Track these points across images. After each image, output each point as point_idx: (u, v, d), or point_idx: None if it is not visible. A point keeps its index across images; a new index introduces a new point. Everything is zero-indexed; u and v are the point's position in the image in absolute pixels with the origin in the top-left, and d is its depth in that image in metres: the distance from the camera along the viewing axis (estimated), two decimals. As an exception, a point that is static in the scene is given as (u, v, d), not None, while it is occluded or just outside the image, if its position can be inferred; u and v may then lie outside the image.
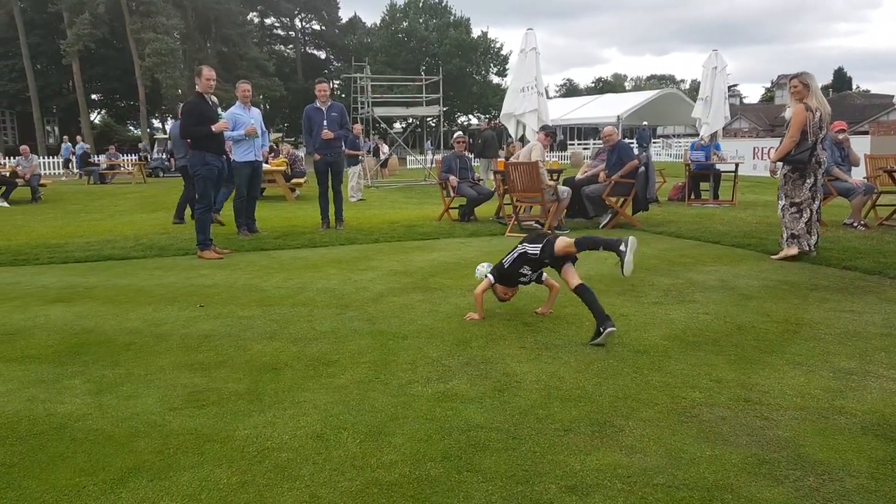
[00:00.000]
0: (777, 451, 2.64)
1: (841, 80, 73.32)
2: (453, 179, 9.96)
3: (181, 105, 8.06)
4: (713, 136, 13.23)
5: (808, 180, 6.42)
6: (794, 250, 6.47)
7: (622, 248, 4.06)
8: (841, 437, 2.75)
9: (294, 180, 15.67)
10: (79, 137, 31.18)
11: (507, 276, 4.53)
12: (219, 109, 7.72)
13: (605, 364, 3.63)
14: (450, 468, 2.53)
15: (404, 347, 3.98)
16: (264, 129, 8.96)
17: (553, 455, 2.63)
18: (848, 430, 2.80)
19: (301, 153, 19.28)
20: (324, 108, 8.80)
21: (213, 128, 7.24)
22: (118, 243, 8.05)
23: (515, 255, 4.44)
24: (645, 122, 26.21)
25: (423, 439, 2.77)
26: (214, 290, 5.55)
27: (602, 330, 3.92)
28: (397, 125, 46.09)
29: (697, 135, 15.26)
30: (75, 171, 27.29)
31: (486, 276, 5.51)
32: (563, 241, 4.25)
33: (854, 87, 74.67)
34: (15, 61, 39.92)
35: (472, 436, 2.80)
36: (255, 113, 8.64)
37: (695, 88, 74.24)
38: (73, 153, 27.56)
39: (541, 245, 4.31)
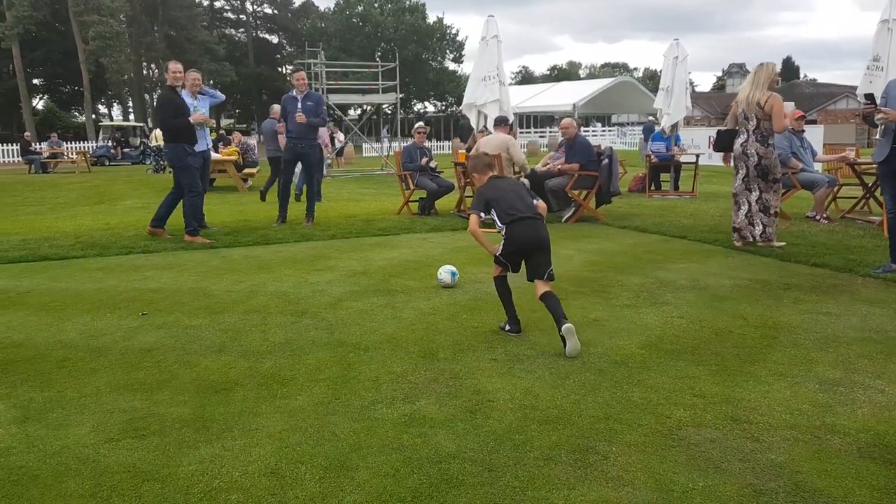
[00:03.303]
0: (773, 479, 2.46)
1: (789, 68, 74.83)
2: (430, 162, 9.75)
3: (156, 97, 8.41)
4: (674, 126, 13.19)
5: (739, 171, 6.56)
6: (737, 243, 6.72)
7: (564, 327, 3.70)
8: (838, 460, 2.59)
9: (246, 170, 15.13)
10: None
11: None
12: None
13: (581, 378, 3.41)
14: (422, 511, 2.28)
15: (366, 361, 3.70)
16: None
17: (534, 490, 2.40)
18: (844, 453, 2.64)
19: (253, 141, 18.68)
20: (299, 97, 8.47)
21: (192, 119, 7.49)
22: (57, 241, 7.50)
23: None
24: (651, 117, 25.82)
25: (389, 474, 2.51)
26: (159, 295, 5.15)
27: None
28: (352, 112, 45.36)
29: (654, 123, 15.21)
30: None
31: (449, 282, 5.27)
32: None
33: (802, 75, 76.42)
34: (-52, 44, 37.79)
35: (443, 468, 2.54)
36: (203, 100, 8.19)
37: (648, 76, 75.13)
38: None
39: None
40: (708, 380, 3.38)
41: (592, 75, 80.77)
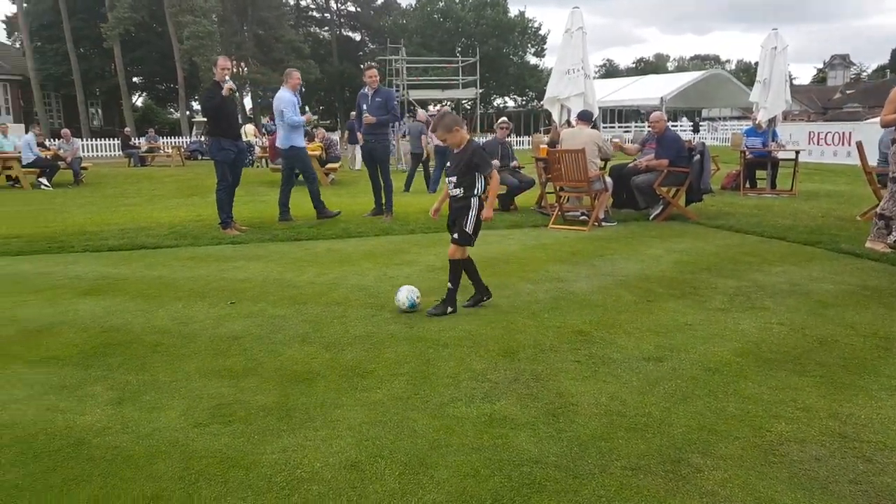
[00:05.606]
0: None
1: (899, 60, 69.80)
2: (513, 162, 9.72)
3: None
4: (771, 121, 12.51)
5: None
6: (878, 245, 6.06)
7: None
8: (962, 486, 2.35)
9: (329, 165, 15.43)
10: None
11: None
12: (234, 92, 7.96)
13: (672, 385, 3.25)
14: (504, 515, 2.20)
15: (445, 357, 3.65)
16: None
17: (622, 501, 2.28)
18: (970, 479, 2.39)
19: (336, 137, 19.04)
20: (370, 94, 8.62)
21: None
22: (152, 231, 7.87)
23: None
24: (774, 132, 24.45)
25: (469, 474, 2.44)
26: (246, 285, 5.29)
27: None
28: (432, 108, 45.61)
29: (746, 118, 14.51)
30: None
31: (408, 306, 4.49)
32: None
33: (914, 67, 71.13)
34: (59, 45, 40.31)
35: (525, 472, 2.46)
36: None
37: (741, 69, 71.81)
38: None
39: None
40: (812, 392, 3.14)
41: (681, 68, 77.89)
